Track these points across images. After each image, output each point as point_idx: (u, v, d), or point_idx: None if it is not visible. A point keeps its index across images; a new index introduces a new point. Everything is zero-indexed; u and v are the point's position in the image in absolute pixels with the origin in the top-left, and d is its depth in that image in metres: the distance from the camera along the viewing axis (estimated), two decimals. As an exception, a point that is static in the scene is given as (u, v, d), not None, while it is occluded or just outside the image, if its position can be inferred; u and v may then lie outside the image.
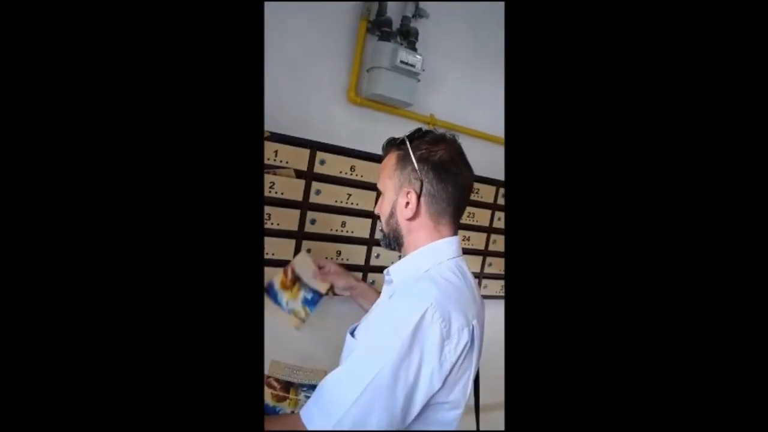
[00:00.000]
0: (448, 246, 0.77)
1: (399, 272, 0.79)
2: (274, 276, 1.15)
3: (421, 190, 0.75)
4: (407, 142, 0.77)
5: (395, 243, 0.81)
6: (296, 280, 1.16)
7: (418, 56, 1.37)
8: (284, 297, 1.13)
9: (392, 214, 0.79)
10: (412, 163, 0.75)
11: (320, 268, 1.17)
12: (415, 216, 0.76)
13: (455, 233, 0.80)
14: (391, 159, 0.79)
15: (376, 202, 0.86)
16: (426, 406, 0.67)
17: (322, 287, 1.15)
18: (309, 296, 1.15)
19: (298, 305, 1.14)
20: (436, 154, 0.75)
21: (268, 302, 1.12)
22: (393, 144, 0.81)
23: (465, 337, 0.67)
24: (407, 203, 0.76)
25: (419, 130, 0.80)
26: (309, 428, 0.65)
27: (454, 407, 0.70)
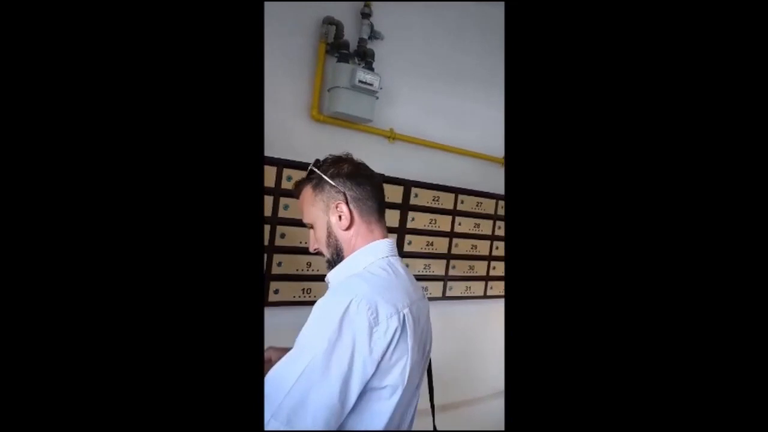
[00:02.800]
0: (379, 247, 0.84)
1: (335, 276, 0.85)
2: None
3: (346, 198, 0.83)
4: (315, 170, 0.86)
5: (338, 260, 0.86)
6: None
7: (376, 75, 1.46)
8: None
9: (330, 234, 0.84)
10: (328, 182, 0.83)
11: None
12: (351, 224, 0.83)
13: (386, 233, 0.87)
14: (307, 191, 0.86)
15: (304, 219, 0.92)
16: (364, 394, 0.70)
17: None
18: None
19: None
20: (344, 168, 0.84)
21: None
22: (301, 182, 0.89)
23: (394, 323, 0.71)
24: (340, 216, 0.82)
25: (318, 160, 0.88)
26: None
27: (393, 393, 0.73)
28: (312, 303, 0.74)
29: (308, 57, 1.47)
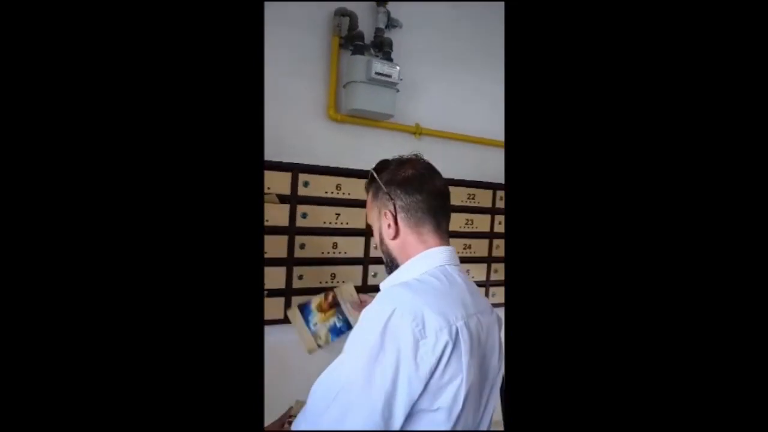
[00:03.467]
0: (435, 254, 0.79)
1: (386, 285, 0.82)
2: (313, 298, 1.24)
3: (395, 208, 0.79)
4: (374, 174, 0.84)
5: (393, 266, 0.84)
6: (334, 305, 1.25)
7: (394, 66, 1.34)
8: (315, 318, 1.23)
9: (382, 240, 0.84)
10: (381, 188, 0.82)
11: (362, 302, 1.23)
12: (397, 233, 0.80)
13: (443, 242, 0.81)
14: (369, 194, 0.87)
15: (366, 219, 0.91)
16: (413, 416, 0.65)
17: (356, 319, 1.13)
18: (339, 324, 1.24)
19: (323, 329, 1.23)
20: (400, 175, 0.81)
21: (299, 320, 1.21)
22: (367, 184, 0.88)
23: (444, 337, 0.65)
24: (388, 225, 0.80)
25: (385, 160, 0.86)
26: None
27: (447, 418, 0.66)
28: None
29: (321, 53, 1.37)
